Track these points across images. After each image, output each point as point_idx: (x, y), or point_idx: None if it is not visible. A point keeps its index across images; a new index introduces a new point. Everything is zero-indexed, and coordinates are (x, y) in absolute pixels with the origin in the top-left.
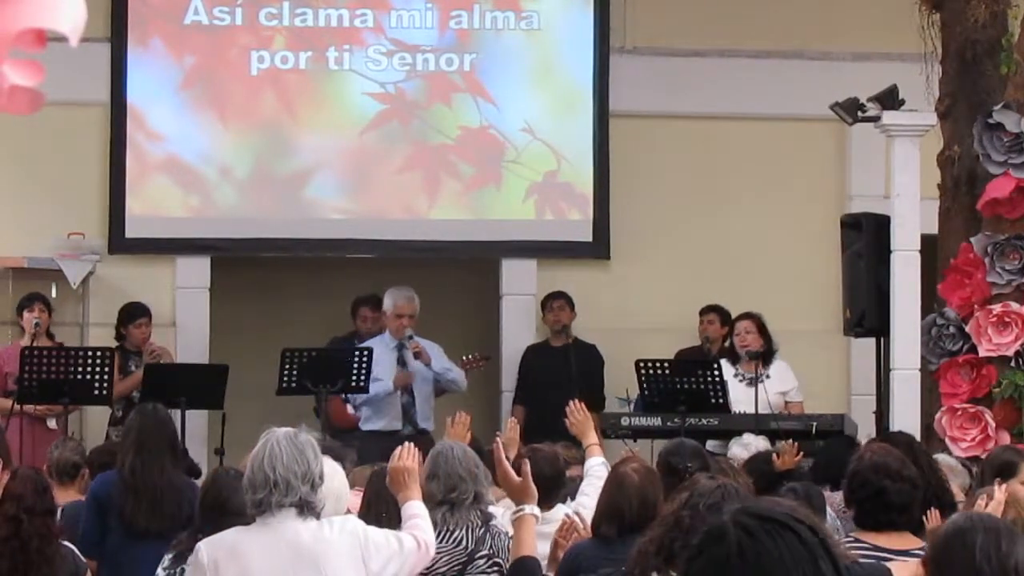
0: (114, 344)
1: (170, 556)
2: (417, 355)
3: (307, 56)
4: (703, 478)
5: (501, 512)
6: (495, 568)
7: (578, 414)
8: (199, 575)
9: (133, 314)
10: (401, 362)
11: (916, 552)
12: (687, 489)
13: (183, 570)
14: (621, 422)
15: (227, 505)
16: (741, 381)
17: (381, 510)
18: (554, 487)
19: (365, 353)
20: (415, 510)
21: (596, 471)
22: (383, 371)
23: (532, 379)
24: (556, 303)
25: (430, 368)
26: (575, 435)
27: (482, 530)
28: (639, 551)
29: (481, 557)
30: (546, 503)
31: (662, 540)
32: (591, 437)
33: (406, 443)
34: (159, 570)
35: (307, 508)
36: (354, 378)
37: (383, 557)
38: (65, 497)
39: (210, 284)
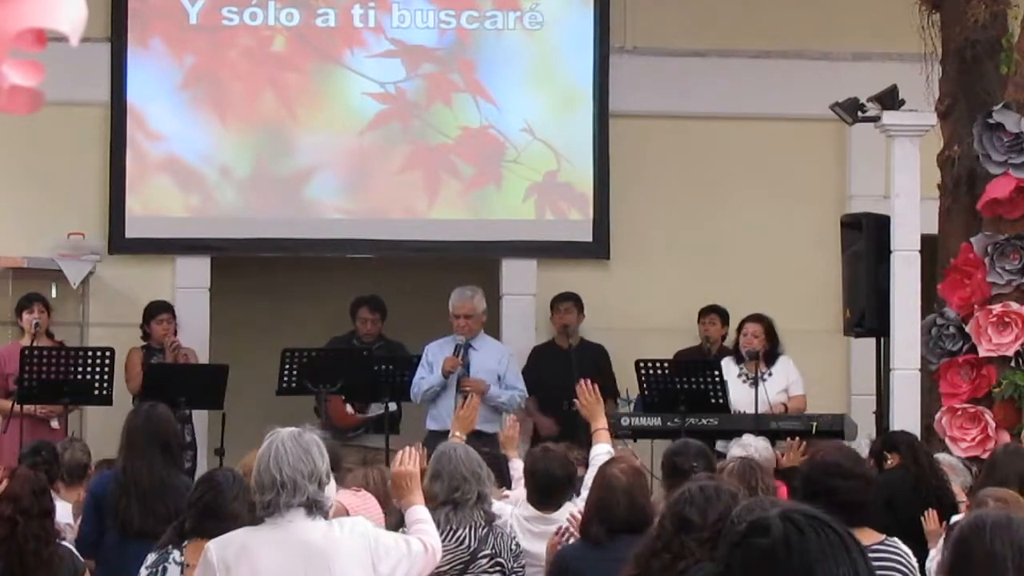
0: (141, 343)
1: (153, 555)
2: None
3: (307, 56)
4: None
5: (509, 511)
6: (497, 568)
7: (588, 395)
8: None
9: (154, 310)
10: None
11: (877, 547)
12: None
13: (165, 569)
14: (621, 422)
15: (217, 508)
16: (745, 381)
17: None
18: (565, 489)
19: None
20: (420, 515)
21: (601, 461)
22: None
23: (537, 380)
24: (564, 305)
25: (483, 397)
26: (584, 416)
27: (485, 530)
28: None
29: (484, 556)
30: (555, 505)
31: (648, 559)
32: (600, 421)
33: (407, 448)
34: (142, 569)
35: (316, 507)
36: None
37: (392, 560)
38: (74, 497)
39: (210, 284)
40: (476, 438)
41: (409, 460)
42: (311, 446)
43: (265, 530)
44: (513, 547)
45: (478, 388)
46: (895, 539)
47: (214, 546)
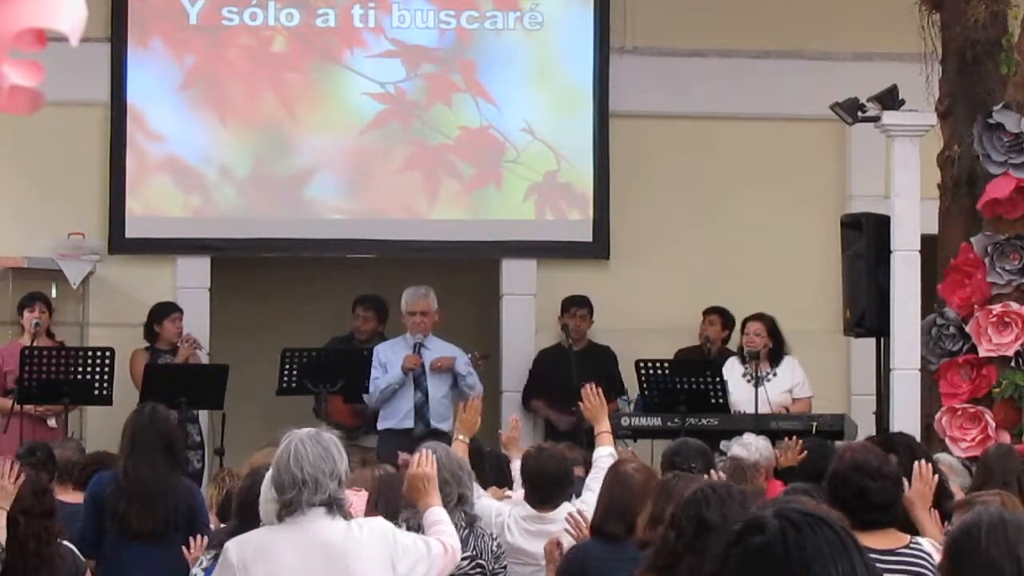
0: (144, 344)
1: (208, 556)
2: (439, 367)
3: (307, 56)
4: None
5: (507, 511)
6: (478, 569)
7: (593, 399)
8: (228, 574)
9: (167, 310)
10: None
11: (901, 551)
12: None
13: None
14: (621, 422)
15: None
16: (749, 380)
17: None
18: (560, 487)
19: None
20: (438, 516)
21: (603, 463)
22: (398, 368)
23: (544, 382)
24: (580, 311)
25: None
26: (588, 419)
27: (466, 531)
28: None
29: (465, 558)
30: (551, 503)
31: (669, 559)
32: (603, 424)
33: (425, 449)
34: (196, 569)
35: (336, 506)
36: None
37: (411, 559)
38: (64, 496)
39: (210, 284)
40: (435, 435)
41: (427, 462)
42: (330, 445)
43: (284, 529)
44: (494, 548)
45: (447, 364)
46: (920, 539)
47: (233, 545)
